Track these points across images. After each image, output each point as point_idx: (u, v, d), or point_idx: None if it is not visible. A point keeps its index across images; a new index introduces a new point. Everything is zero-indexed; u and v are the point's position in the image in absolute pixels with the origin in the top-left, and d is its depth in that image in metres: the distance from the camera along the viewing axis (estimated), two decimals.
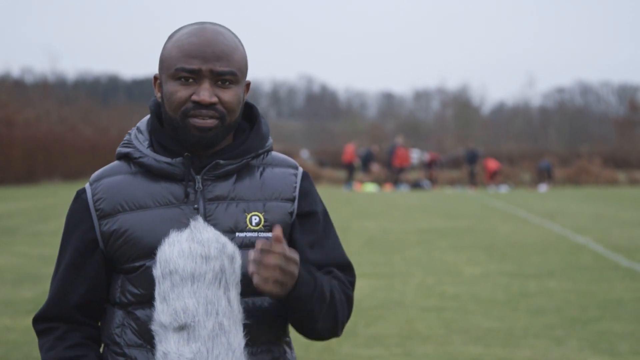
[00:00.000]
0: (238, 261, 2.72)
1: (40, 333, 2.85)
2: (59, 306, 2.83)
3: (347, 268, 2.91)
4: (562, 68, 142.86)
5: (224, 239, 2.72)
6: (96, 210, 2.79)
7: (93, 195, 2.81)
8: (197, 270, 2.68)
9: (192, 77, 2.73)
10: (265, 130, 2.90)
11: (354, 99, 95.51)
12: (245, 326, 2.73)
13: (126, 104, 66.06)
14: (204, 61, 2.72)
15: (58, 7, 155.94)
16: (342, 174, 47.54)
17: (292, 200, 2.86)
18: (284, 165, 2.90)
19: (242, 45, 2.84)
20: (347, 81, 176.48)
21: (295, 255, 2.64)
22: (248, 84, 2.87)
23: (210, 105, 2.72)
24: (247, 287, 2.74)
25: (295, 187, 2.87)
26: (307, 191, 2.90)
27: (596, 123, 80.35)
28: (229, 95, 2.75)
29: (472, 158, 45.77)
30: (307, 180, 2.92)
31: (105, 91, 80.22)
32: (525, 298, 11.83)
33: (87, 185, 2.84)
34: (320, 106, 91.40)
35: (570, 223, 22.71)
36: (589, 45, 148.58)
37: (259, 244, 2.61)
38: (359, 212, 26.88)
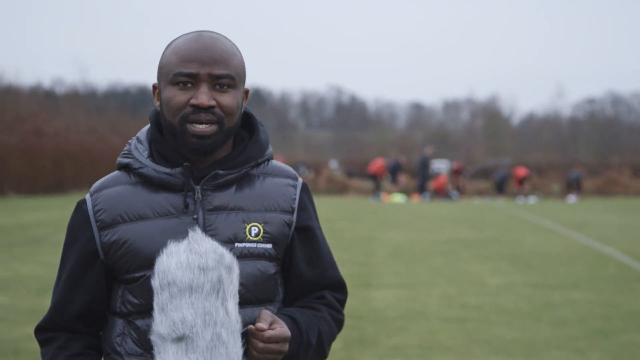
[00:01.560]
0: (236, 271, 2.73)
1: (42, 342, 2.88)
2: (60, 316, 2.86)
3: (339, 287, 3.00)
4: (592, 78, 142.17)
5: (221, 250, 2.73)
6: (97, 221, 2.81)
7: (94, 207, 2.82)
8: (194, 282, 2.69)
9: (190, 81, 2.74)
10: (264, 138, 2.90)
11: (383, 110, 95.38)
12: (243, 336, 2.75)
13: None
14: (202, 65, 2.73)
15: (89, 18, 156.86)
16: (369, 184, 47.54)
17: (291, 212, 2.87)
18: (283, 176, 2.91)
19: (239, 53, 2.84)
20: (376, 92, 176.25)
21: (282, 332, 2.70)
22: (247, 92, 2.88)
23: (208, 109, 2.73)
24: (243, 298, 2.77)
25: (295, 198, 2.89)
26: (305, 204, 2.92)
27: (627, 133, 79.84)
28: (227, 99, 2.75)
29: (501, 179, 45.84)
30: (306, 193, 2.94)
31: (134, 102, 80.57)
32: (549, 309, 11.77)
33: (87, 196, 2.86)
34: (350, 116, 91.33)
35: (597, 234, 22.60)
36: (619, 56, 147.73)
37: (249, 326, 2.71)
38: (385, 223, 26.84)
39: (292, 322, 2.81)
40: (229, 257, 2.72)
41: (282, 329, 2.70)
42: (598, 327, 10.58)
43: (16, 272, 14.74)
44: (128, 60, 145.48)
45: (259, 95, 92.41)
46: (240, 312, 2.75)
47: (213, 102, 2.73)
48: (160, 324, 2.69)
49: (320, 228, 2.98)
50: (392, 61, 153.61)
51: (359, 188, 48.52)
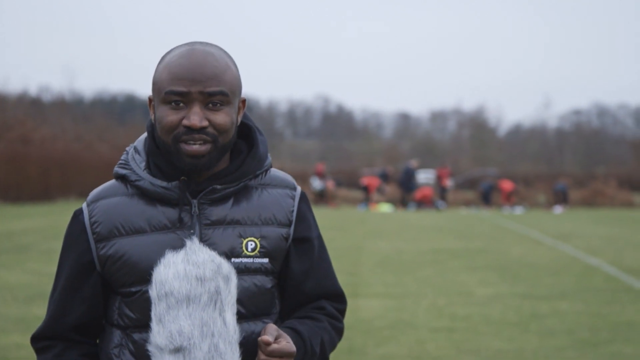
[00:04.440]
0: (234, 281, 2.72)
1: (38, 351, 2.87)
2: (56, 326, 2.84)
3: (338, 297, 2.96)
4: (578, 90, 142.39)
5: (219, 260, 2.72)
6: (93, 233, 2.79)
7: (90, 218, 2.80)
8: (192, 292, 2.68)
9: (182, 100, 2.70)
10: (263, 151, 2.87)
11: (370, 119, 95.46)
12: (241, 346, 2.75)
13: (142, 122, 66.23)
14: (193, 83, 2.69)
15: (76, 26, 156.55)
16: (357, 194, 47.59)
17: (289, 224, 2.84)
18: (282, 186, 2.88)
19: (234, 65, 2.80)
20: (363, 101, 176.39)
21: (288, 347, 2.66)
22: (243, 101, 2.84)
23: (201, 130, 2.69)
24: (238, 313, 2.76)
25: (293, 210, 2.86)
26: (303, 215, 2.89)
27: (612, 145, 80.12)
28: (220, 117, 2.72)
29: (487, 190, 45.96)
30: (304, 203, 2.90)
31: (122, 109, 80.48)
32: (537, 319, 11.80)
33: (84, 206, 2.84)
34: (337, 126, 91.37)
35: (584, 245, 22.65)
36: (606, 68, 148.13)
37: (262, 343, 2.66)
38: (373, 232, 26.87)
39: (294, 333, 2.79)
40: (226, 267, 2.72)
41: (287, 343, 2.68)
42: (586, 338, 10.61)
43: (3, 280, 14.70)
44: (115, 68, 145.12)
45: (246, 104, 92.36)
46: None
47: (205, 123, 2.69)
48: (158, 334, 2.68)
49: (319, 237, 2.95)
50: (379, 71, 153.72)
51: (347, 197, 48.55)
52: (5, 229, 25.00)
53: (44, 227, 26.03)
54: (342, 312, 2.97)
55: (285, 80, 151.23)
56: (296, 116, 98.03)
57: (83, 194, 44.50)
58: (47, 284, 14.04)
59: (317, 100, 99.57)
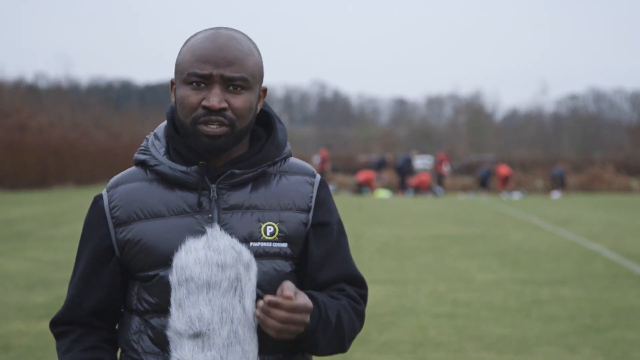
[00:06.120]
0: (254, 269, 2.72)
1: (57, 335, 2.88)
2: (75, 311, 2.85)
3: (357, 281, 2.91)
4: (575, 75, 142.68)
5: (240, 247, 2.72)
6: (112, 217, 2.79)
7: (109, 203, 2.81)
8: (212, 279, 2.68)
9: (203, 82, 2.71)
10: (282, 138, 2.87)
11: (367, 105, 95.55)
12: (261, 335, 2.73)
13: (139, 110, 66.24)
14: (215, 66, 2.70)
15: (72, 13, 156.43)
16: (353, 180, 47.62)
17: (308, 210, 2.84)
18: (301, 173, 2.87)
19: (257, 52, 2.81)
20: (359, 87, 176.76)
21: (305, 301, 2.63)
22: (264, 90, 2.85)
23: (219, 111, 2.70)
24: (258, 297, 2.74)
25: (312, 196, 2.85)
26: (323, 200, 2.88)
27: (609, 130, 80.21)
28: (239, 101, 2.72)
29: (485, 175, 46.00)
30: (324, 189, 2.89)
31: (118, 97, 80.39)
32: (538, 305, 11.80)
33: (104, 192, 2.84)
34: (333, 112, 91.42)
35: (583, 230, 22.66)
36: (602, 52, 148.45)
37: (266, 298, 2.61)
38: (372, 219, 26.86)
39: (309, 297, 2.73)
40: (247, 255, 2.71)
41: (304, 299, 2.64)
42: (587, 324, 10.61)
43: (3, 268, 14.68)
44: (111, 55, 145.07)
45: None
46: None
47: (224, 104, 2.70)
48: (177, 319, 2.69)
49: (339, 223, 2.92)
50: (375, 57, 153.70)
51: (343, 183, 48.57)
52: (3, 216, 24.97)
53: (42, 214, 26.02)
54: (363, 296, 2.91)
55: (282, 67, 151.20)
56: (292, 102, 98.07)
57: (80, 181, 44.50)
58: (47, 271, 14.04)
59: (313, 86, 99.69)
